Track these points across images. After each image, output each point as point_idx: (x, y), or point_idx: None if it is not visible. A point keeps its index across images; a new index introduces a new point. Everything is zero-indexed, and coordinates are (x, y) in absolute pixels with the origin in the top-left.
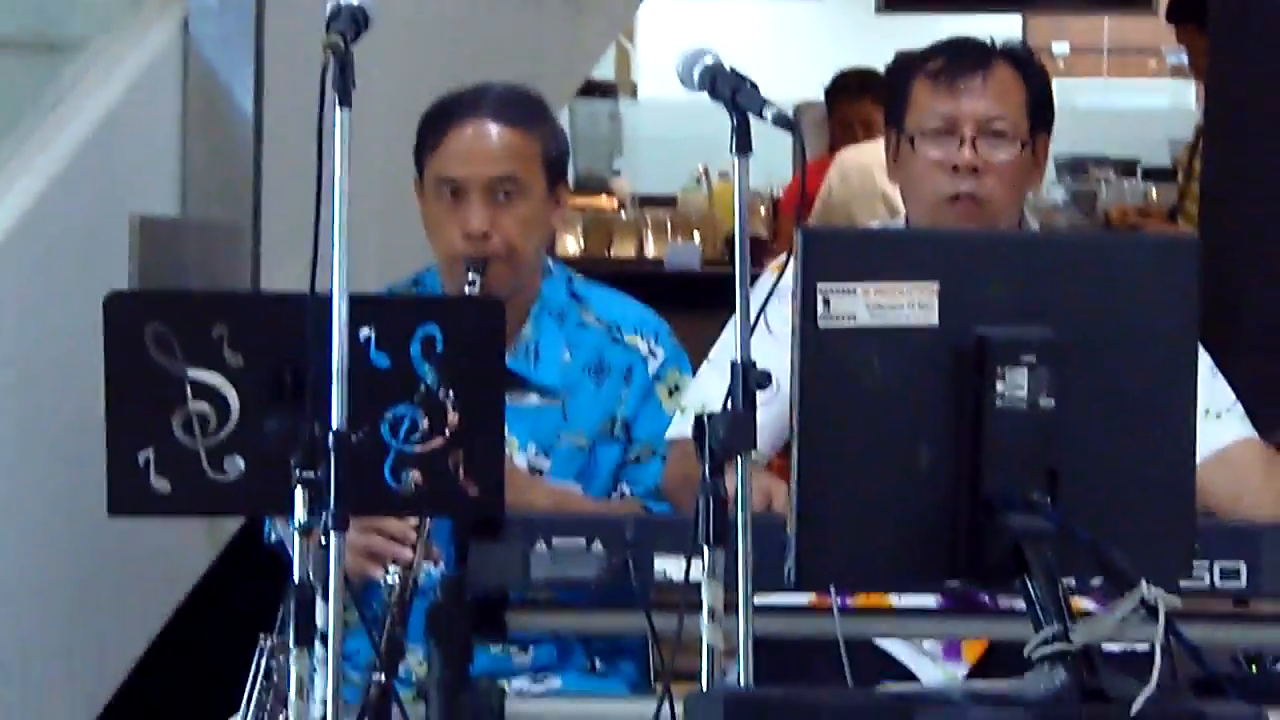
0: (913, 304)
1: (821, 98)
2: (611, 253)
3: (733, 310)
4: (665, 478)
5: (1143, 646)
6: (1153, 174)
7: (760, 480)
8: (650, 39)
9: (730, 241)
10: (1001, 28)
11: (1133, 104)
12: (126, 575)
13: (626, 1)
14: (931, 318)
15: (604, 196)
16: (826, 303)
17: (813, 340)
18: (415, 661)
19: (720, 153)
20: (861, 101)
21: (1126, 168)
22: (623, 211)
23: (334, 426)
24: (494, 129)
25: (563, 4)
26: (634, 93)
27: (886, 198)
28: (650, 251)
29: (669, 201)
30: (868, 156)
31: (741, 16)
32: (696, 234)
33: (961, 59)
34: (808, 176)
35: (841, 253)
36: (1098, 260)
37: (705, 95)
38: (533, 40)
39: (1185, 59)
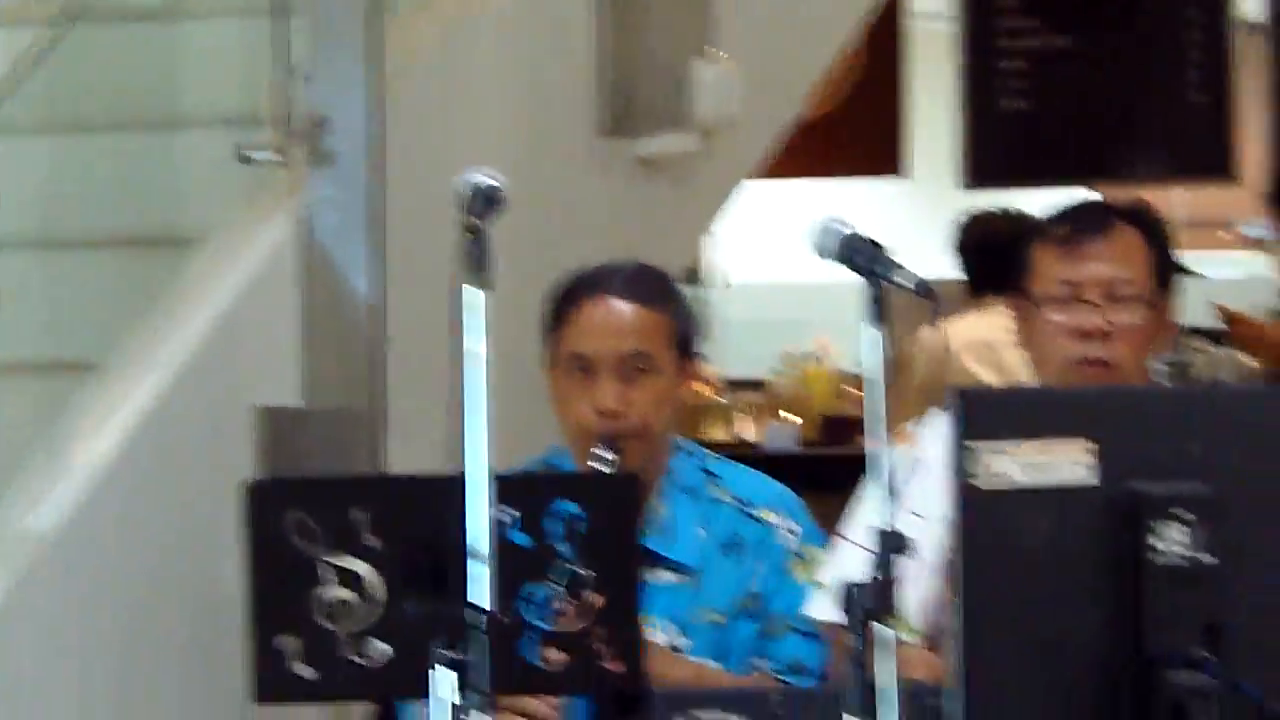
0: (1068, 462)
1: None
2: (703, 436)
3: (847, 486)
4: (833, 661)
5: None
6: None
7: (926, 654)
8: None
9: (827, 421)
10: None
11: (1212, 275)
12: None
13: (729, 182)
14: (1088, 475)
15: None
16: (982, 462)
17: (970, 500)
18: None
19: (803, 334)
20: None
21: (1216, 337)
22: (715, 396)
23: (483, 607)
24: (625, 306)
25: (668, 182)
26: (726, 281)
27: (974, 376)
28: (747, 435)
29: (757, 385)
30: (947, 337)
31: (824, 198)
32: (792, 415)
33: (1083, 223)
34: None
35: (997, 412)
36: (1253, 412)
37: (788, 278)
38: (642, 220)
39: (1260, 232)
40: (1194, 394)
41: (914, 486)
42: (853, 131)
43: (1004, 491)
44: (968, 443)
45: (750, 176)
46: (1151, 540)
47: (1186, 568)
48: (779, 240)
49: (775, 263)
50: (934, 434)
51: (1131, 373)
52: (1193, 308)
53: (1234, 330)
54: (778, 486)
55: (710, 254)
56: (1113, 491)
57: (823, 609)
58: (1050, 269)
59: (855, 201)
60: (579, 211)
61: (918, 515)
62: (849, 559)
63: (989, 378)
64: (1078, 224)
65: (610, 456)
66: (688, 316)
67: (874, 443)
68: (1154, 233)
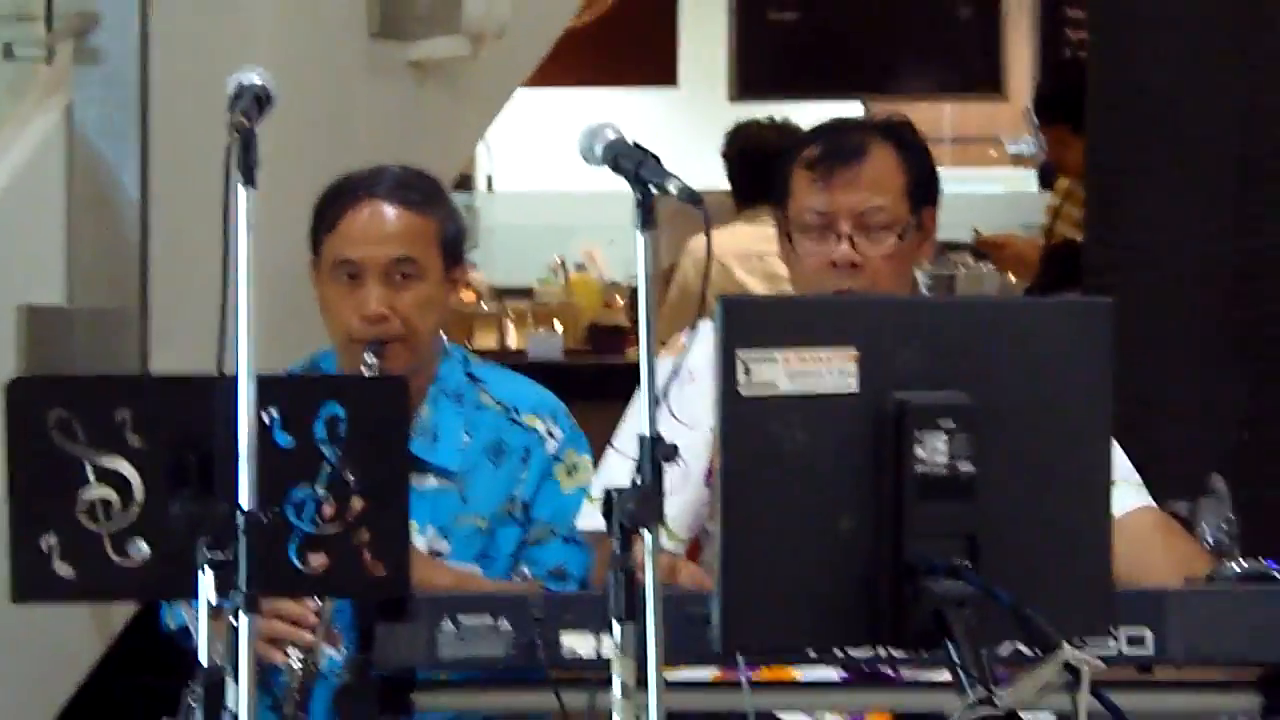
0: (832, 370)
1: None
2: (472, 344)
3: (613, 395)
4: (596, 570)
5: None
6: None
7: (663, 557)
8: (502, 132)
9: (591, 331)
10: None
11: (978, 191)
12: (16, 668)
13: (500, 90)
14: (851, 384)
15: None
16: (747, 370)
17: (734, 407)
18: None
19: (573, 243)
20: None
21: (980, 252)
22: (482, 303)
23: (243, 507)
24: (391, 211)
25: (439, 88)
26: (490, 186)
27: (743, 286)
28: (512, 343)
29: (525, 293)
30: (718, 247)
31: (594, 107)
32: (557, 323)
33: (837, 147)
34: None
35: (762, 320)
36: (1013, 324)
37: (558, 186)
38: (414, 125)
39: (1025, 149)
40: (955, 305)
41: (681, 395)
42: (625, 40)
43: (768, 398)
44: (732, 350)
45: (523, 84)
46: (913, 449)
47: (947, 477)
48: (551, 148)
49: (547, 171)
50: (702, 343)
51: (889, 293)
52: (958, 224)
53: (990, 253)
54: (542, 392)
55: (482, 161)
56: (875, 400)
57: (590, 519)
58: (803, 196)
59: (627, 110)
60: (350, 115)
61: (684, 424)
62: (617, 468)
63: (758, 287)
64: (830, 148)
65: (374, 361)
66: (455, 221)
67: (642, 351)
68: (910, 150)
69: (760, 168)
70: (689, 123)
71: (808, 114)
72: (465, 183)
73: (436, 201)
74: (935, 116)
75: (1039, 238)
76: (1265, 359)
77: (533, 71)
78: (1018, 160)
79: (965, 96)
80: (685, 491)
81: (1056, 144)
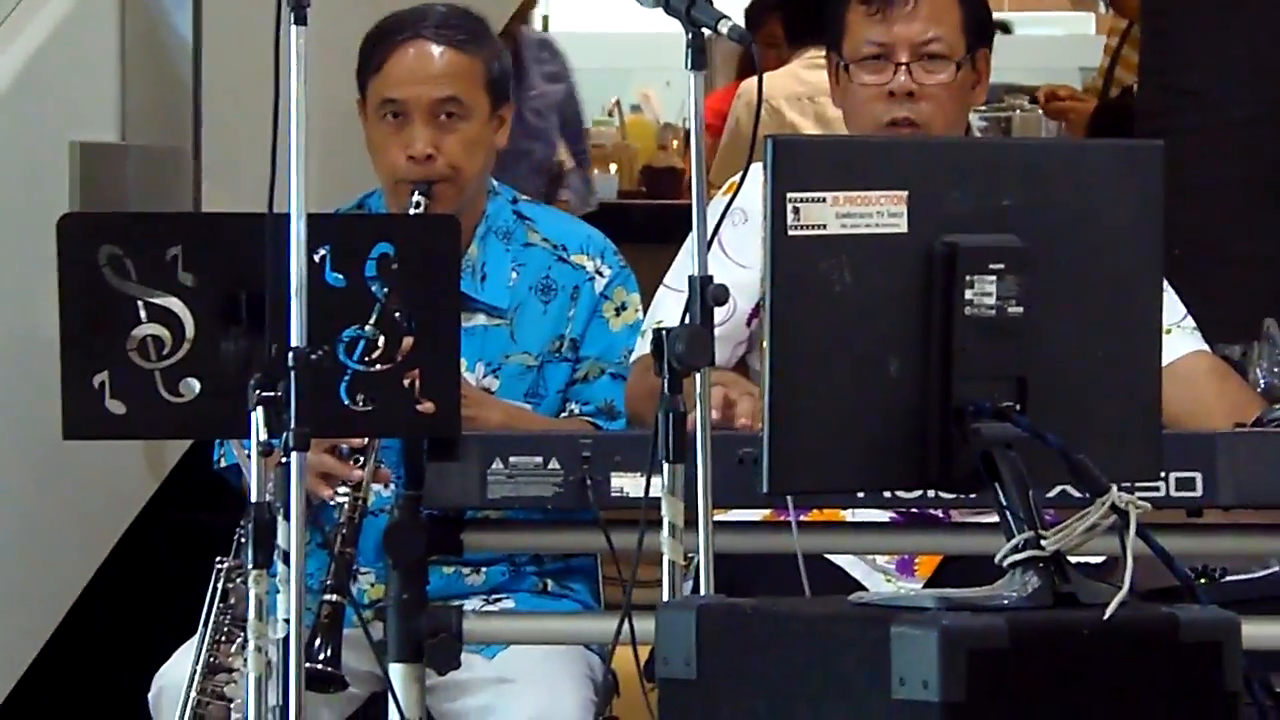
0: (882, 212)
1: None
2: None
3: (668, 237)
4: (628, 395)
5: (1094, 559)
6: None
7: (717, 393)
8: None
9: (646, 172)
10: None
11: (1035, 34)
12: (71, 502)
13: None
14: (900, 225)
15: None
16: (796, 211)
17: (783, 248)
18: (368, 583)
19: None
20: (769, 23)
21: (1037, 95)
22: None
23: (292, 345)
24: (436, 50)
25: None
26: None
27: (795, 128)
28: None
29: None
30: (769, 89)
31: None
32: (612, 166)
33: None
34: (715, 103)
35: (811, 161)
36: (1063, 166)
37: (614, 28)
38: None
39: None
40: (1004, 147)
41: (735, 235)
42: None
43: (817, 238)
44: (782, 191)
45: None
46: (962, 292)
47: (996, 319)
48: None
49: (602, 12)
50: (754, 184)
51: (943, 130)
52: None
53: (1046, 107)
54: (590, 230)
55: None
56: (925, 242)
57: (639, 348)
58: (860, 29)
59: None
60: None
61: (736, 263)
62: (670, 305)
63: (810, 129)
64: None
65: (422, 201)
66: (500, 60)
67: (694, 188)
68: None
69: (813, 8)
70: None
71: None
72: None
73: (482, 40)
74: None
75: (1098, 85)
76: None
77: None
78: (1078, 3)
79: None
80: (727, 326)
81: None
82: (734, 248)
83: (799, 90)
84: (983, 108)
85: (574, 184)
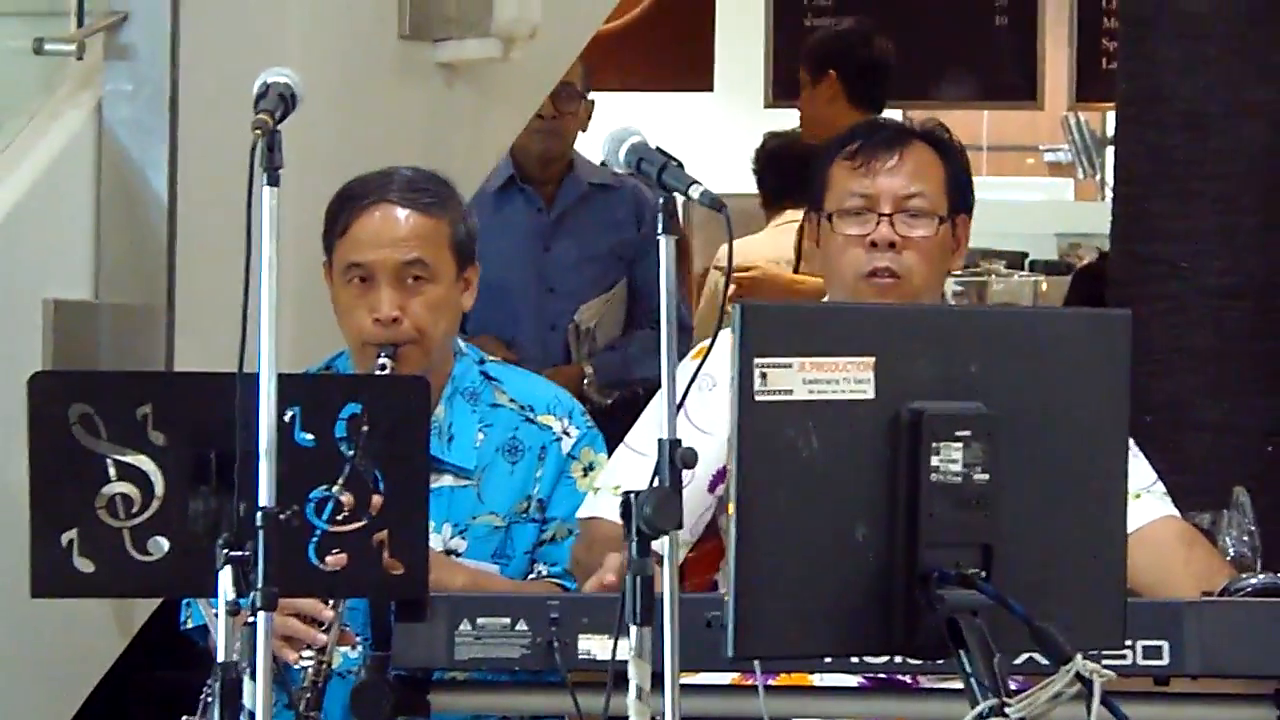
0: (849, 378)
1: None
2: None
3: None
4: (570, 554)
5: None
6: (1040, 266)
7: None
8: None
9: None
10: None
11: (1015, 199)
12: (38, 660)
13: (532, 93)
14: (867, 392)
15: None
16: (763, 376)
17: (750, 413)
18: None
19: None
20: None
21: (1014, 260)
22: None
23: (261, 505)
24: (401, 214)
25: (469, 90)
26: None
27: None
28: None
29: None
30: (749, 254)
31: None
32: None
33: (878, 140)
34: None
35: (778, 327)
36: (1030, 334)
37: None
38: (443, 128)
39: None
40: (971, 314)
41: (701, 401)
42: (660, 44)
43: (784, 404)
44: (750, 356)
45: (554, 87)
46: (929, 458)
47: (962, 486)
48: (586, 151)
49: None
50: (723, 349)
51: (921, 286)
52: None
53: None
54: (557, 390)
55: None
56: (892, 409)
57: (589, 508)
58: (844, 183)
59: (663, 114)
60: (379, 116)
61: (700, 429)
62: (628, 466)
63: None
64: (871, 141)
65: (388, 364)
66: (466, 222)
67: (662, 355)
68: (947, 153)
69: (792, 171)
70: (725, 127)
71: None
72: None
73: (447, 203)
74: (973, 124)
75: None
76: None
77: (565, 75)
78: (1056, 169)
79: (1002, 105)
80: (685, 493)
81: None
82: (699, 414)
83: (778, 256)
84: (959, 272)
85: None
